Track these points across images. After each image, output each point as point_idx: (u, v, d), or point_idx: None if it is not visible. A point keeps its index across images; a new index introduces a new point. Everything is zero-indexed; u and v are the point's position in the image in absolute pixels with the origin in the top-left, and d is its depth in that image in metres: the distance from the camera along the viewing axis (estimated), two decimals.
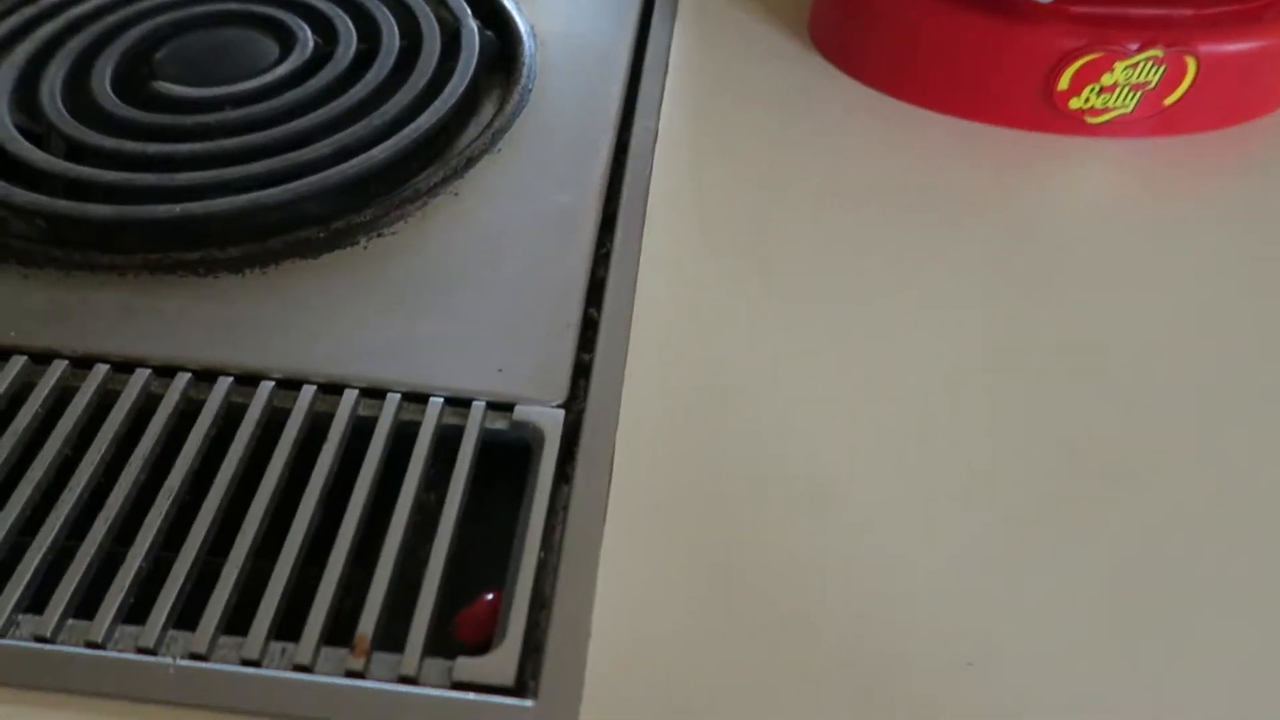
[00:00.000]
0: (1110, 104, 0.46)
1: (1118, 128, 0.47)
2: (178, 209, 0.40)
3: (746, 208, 0.43)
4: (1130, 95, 0.45)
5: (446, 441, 0.34)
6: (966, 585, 0.30)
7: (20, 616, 0.29)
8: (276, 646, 0.28)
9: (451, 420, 0.34)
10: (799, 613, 0.29)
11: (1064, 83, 0.45)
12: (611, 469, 0.33)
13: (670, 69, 0.51)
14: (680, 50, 0.52)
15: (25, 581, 0.29)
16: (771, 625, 0.29)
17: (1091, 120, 0.46)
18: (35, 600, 0.29)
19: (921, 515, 0.32)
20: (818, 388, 0.36)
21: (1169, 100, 0.46)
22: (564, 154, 0.45)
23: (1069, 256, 0.41)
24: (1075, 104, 0.46)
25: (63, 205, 0.40)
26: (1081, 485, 0.33)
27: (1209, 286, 0.40)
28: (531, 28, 0.53)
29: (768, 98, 0.49)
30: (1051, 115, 0.46)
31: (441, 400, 0.35)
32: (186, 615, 0.29)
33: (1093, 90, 0.45)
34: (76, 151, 0.44)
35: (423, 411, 0.34)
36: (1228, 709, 0.28)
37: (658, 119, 0.47)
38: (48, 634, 0.28)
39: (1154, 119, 0.46)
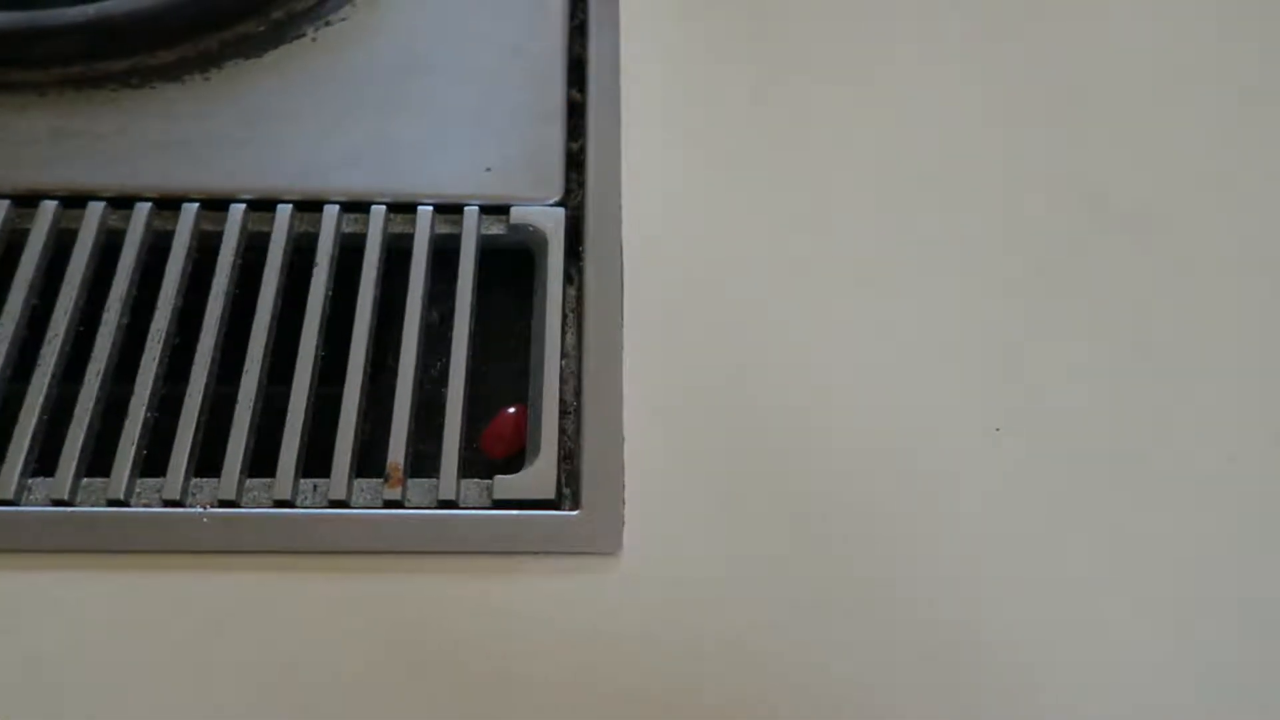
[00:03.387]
0: None
1: None
2: (91, 10, 0.35)
3: None
4: None
5: (442, 252, 0.32)
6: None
7: (31, 481, 0.27)
8: (307, 484, 0.28)
9: (445, 229, 0.32)
10: (825, 411, 0.29)
11: None
12: (622, 264, 0.31)
13: None
14: None
15: (27, 444, 0.28)
16: (797, 420, 0.29)
17: None
18: (41, 463, 0.28)
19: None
20: (829, 166, 0.34)
21: None
22: None
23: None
24: None
25: None
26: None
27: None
28: None
29: None
30: None
31: (431, 208, 0.32)
32: (205, 462, 0.28)
33: None
34: None
35: (413, 222, 0.32)
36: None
37: None
38: (65, 495, 0.27)
39: None
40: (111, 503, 0.27)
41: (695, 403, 0.29)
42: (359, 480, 0.28)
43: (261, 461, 0.28)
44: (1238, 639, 0.26)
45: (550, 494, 0.28)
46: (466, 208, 0.32)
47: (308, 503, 0.27)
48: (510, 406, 0.31)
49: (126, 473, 0.27)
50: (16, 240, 0.31)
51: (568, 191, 0.33)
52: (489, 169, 0.33)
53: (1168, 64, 0.37)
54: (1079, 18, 0.38)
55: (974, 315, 0.31)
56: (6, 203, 0.32)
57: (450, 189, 0.33)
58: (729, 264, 0.32)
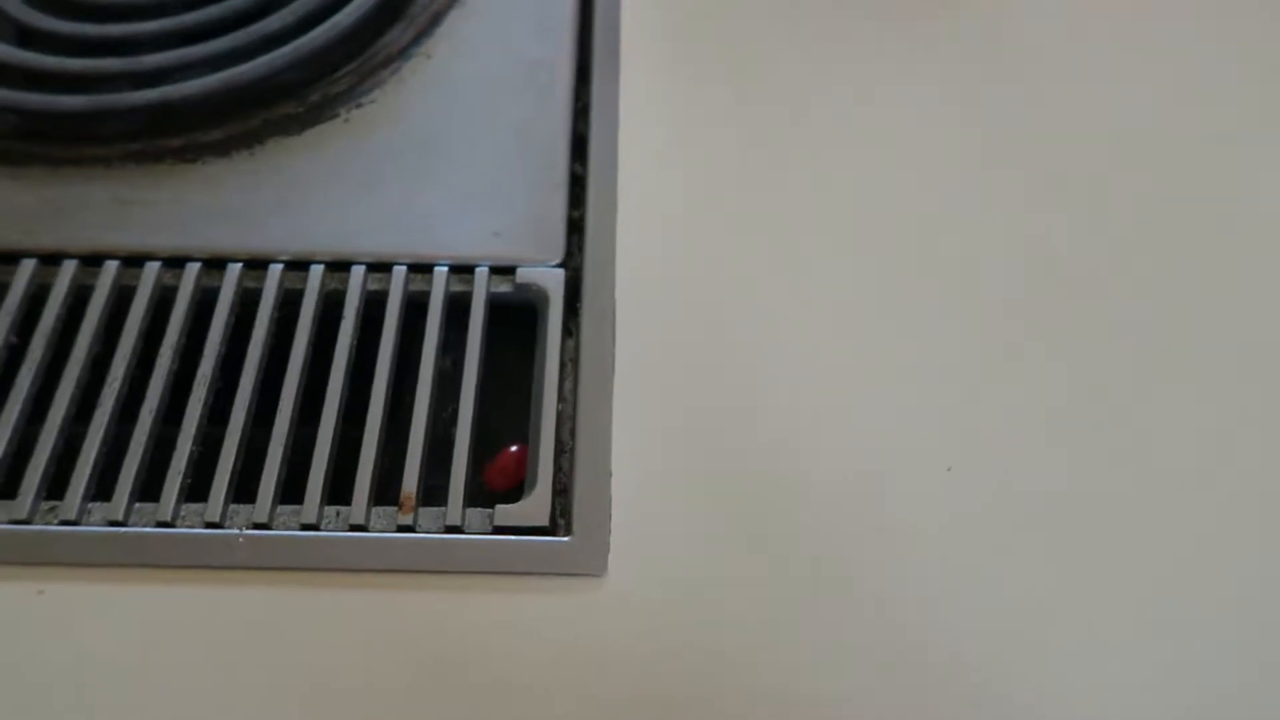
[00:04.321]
0: None
1: None
2: (154, 94, 0.40)
3: (722, 38, 0.43)
4: None
5: (455, 307, 0.36)
6: (946, 401, 0.33)
7: (91, 505, 0.31)
8: (331, 510, 0.31)
9: (458, 287, 0.36)
10: (795, 448, 0.33)
11: None
12: (614, 320, 0.35)
13: None
14: None
15: (88, 473, 0.32)
16: (769, 457, 0.32)
17: None
18: (100, 488, 0.32)
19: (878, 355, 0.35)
20: (806, 224, 0.38)
21: None
22: (529, 2, 0.45)
23: (1046, 58, 0.42)
24: None
25: (33, 99, 0.40)
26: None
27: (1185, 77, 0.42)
28: None
29: None
30: None
31: (446, 268, 0.36)
32: (242, 490, 0.32)
33: None
34: (27, 37, 0.43)
35: (430, 281, 0.36)
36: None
37: None
38: (120, 517, 0.31)
39: None
40: (159, 524, 0.31)
41: (678, 442, 0.33)
42: (377, 508, 0.32)
43: (291, 490, 0.32)
44: (1197, 669, 0.29)
45: (545, 522, 0.31)
46: (477, 268, 0.36)
47: (331, 527, 0.31)
48: (513, 445, 0.34)
49: (174, 498, 0.31)
50: (83, 295, 0.36)
51: (568, 254, 0.37)
52: (497, 234, 0.37)
53: (1150, 120, 0.41)
54: (1065, 71, 0.42)
55: (949, 353, 0.34)
56: (75, 262, 0.36)
57: (463, 251, 0.37)
58: (711, 315, 0.35)
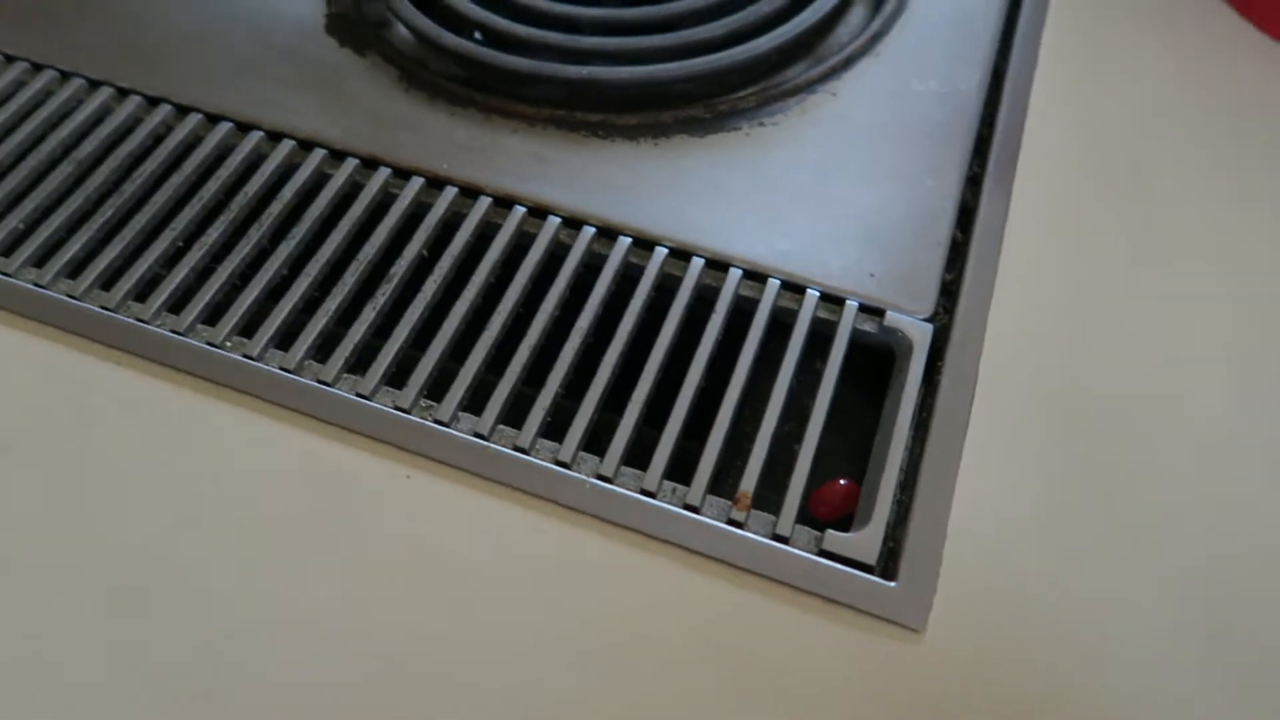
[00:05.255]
0: None
1: None
2: (585, 71, 0.43)
3: (1125, 154, 0.42)
4: None
5: (817, 332, 0.37)
6: None
7: (461, 414, 0.34)
8: (669, 485, 0.33)
9: (824, 314, 0.37)
10: (1147, 537, 0.31)
11: None
12: (975, 384, 0.35)
13: None
14: None
15: (464, 387, 0.34)
16: (1118, 546, 0.31)
17: None
18: (472, 402, 0.34)
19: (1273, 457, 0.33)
20: (1180, 338, 0.36)
21: None
22: (940, 66, 0.46)
23: None
24: None
25: (485, 52, 0.45)
26: None
27: None
28: None
29: (1162, 42, 0.47)
30: None
31: (817, 294, 0.37)
32: (593, 444, 0.34)
33: None
34: (491, 2, 0.48)
35: (799, 301, 0.37)
36: None
37: (1038, 43, 0.47)
38: (484, 432, 0.33)
39: None
40: (516, 448, 0.33)
41: (1020, 518, 0.32)
42: (711, 495, 0.32)
43: (636, 456, 0.33)
44: None
45: (872, 560, 0.31)
46: (848, 301, 0.37)
47: (667, 499, 0.32)
48: (841, 479, 0.34)
49: (534, 430, 0.33)
50: (489, 231, 0.39)
51: (935, 313, 0.37)
52: (873, 275, 0.38)
53: None
54: None
55: None
56: (489, 200, 0.40)
57: (837, 282, 0.38)
58: (1075, 398, 0.34)
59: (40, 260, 0.38)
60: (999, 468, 0.33)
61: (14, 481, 0.32)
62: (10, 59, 0.45)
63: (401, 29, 0.47)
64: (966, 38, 0.47)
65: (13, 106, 0.43)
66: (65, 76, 0.44)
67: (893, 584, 0.30)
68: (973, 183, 0.41)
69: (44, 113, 0.42)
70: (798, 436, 0.34)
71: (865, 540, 0.31)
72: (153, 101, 0.43)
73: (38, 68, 0.44)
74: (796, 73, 0.46)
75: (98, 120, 0.43)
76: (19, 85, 0.44)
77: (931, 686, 0.29)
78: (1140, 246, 0.39)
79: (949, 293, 0.38)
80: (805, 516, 0.33)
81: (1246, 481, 0.33)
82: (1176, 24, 0.48)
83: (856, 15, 0.50)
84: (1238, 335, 0.36)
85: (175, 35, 0.46)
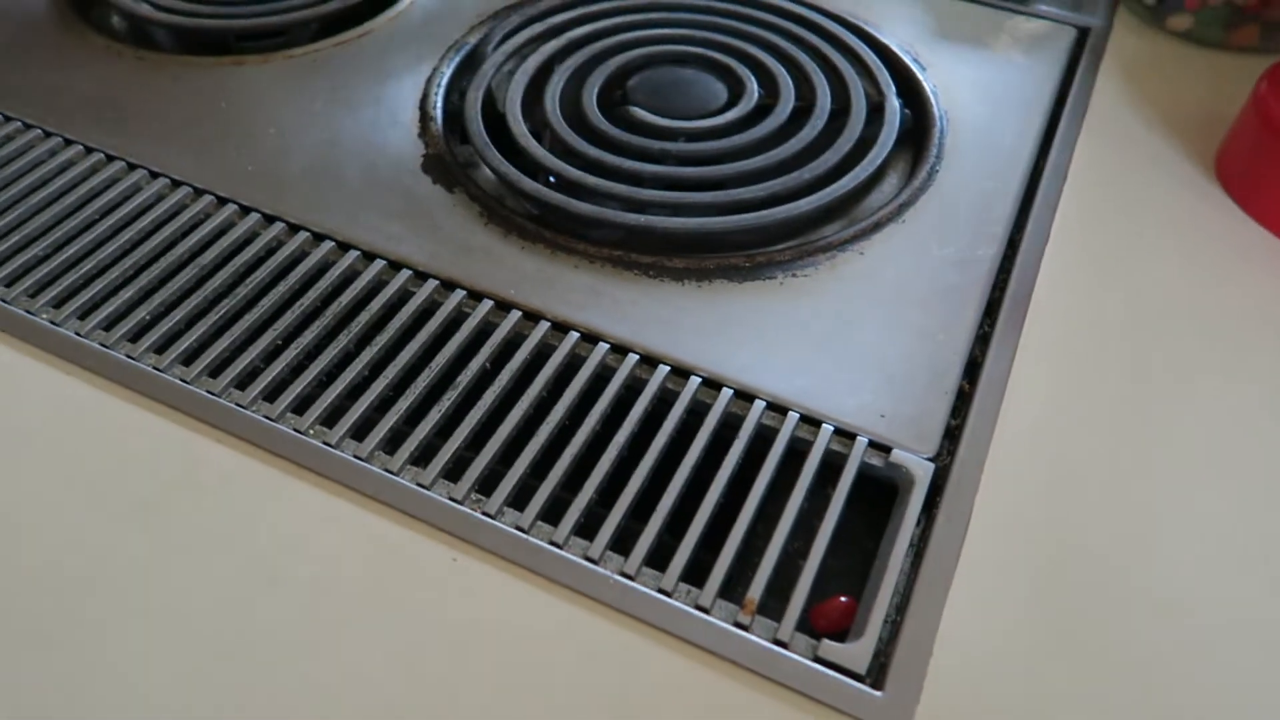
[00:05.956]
0: None
1: None
2: (643, 219, 0.50)
3: (1125, 331, 0.46)
4: None
5: (829, 463, 0.41)
6: None
7: (506, 509, 0.39)
8: (684, 586, 0.37)
9: (836, 448, 0.41)
10: (1112, 692, 0.34)
11: None
12: (968, 523, 0.38)
13: (1070, 174, 0.55)
14: (1082, 158, 0.56)
15: (512, 485, 0.39)
16: (1084, 694, 0.34)
17: None
18: (516, 500, 0.39)
19: (1268, 634, 0.35)
20: (1175, 507, 0.39)
21: None
22: (960, 234, 0.51)
23: None
24: None
25: (556, 196, 0.51)
26: None
27: None
28: (945, 112, 0.59)
29: (1164, 226, 0.52)
30: None
31: (831, 429, 0.41)
32: (619, 545, 0.38)
33: None
34: (562, 152, 0.55)
35: (814, 434, 0.41)
36: None
37: (1051, 222, 0.52)
38: (525, 526, 0.38)
39: None
40: (552, 542, 0.37)
41: (1000, 646, 0.35)
42: (720, 599, 0.36)
43: (660, 559, 0.37)
44: None
45: (863, 670, 0.34)
46: (858, 437, 0.41)
47: (681, 599, 0.36)
48: (842, 596, 0.38)
49: (569, 529, 0.38)
50: (545, 352, 0.45)
51: (939, 453, 0.41)
52: (883, 416, 0.42)
53: None
54: None
55: None
56: (547, 325, 0.45)
57: (849, 419, 0.42)
58: (1062, 546, 0.38)
59: (161, 348, 0.44)
60: (985, 598, 0.36)
61: (131, 534, 0.37)
62: (155, 175, 0.52)
63: (486, 171, 0.54)
64: (986, 211, 0.53)
65: (152, 214, 0.50)
66: (198, 193, 0.51)
67: (880, 693, 0.34)
68: (982, 340, 0.46)
69: (178, 223, 0.50)
70: (804, 553, 0.38)
71: (858, 651, 0.35)
72: (269, 219, 0.50)
73: (176, 184, 0.52)
74: (830, 232, 0.51)
75: (221, 233, 0.49)
76: (159, 198, 0.51)
77: None
78: (1132, 414, 0.43)
79: (952, 437, 0.42)
80: (805, 626, 0.36)
81: (1209, 649, 0.35)
82: (1182, 214, 0.53)
83: (889, 184, 0.56)
84: (1218, 509, 0.39)
85: (296, 164, 0.54)
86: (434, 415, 0.42)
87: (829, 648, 0.35)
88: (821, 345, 0.45)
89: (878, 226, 0.51)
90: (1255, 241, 0.51)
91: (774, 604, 0.37)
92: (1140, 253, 0.51)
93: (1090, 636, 0.35)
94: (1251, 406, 0.43)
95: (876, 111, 0.58)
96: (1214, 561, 0.38)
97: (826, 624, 0.37)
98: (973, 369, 0.45)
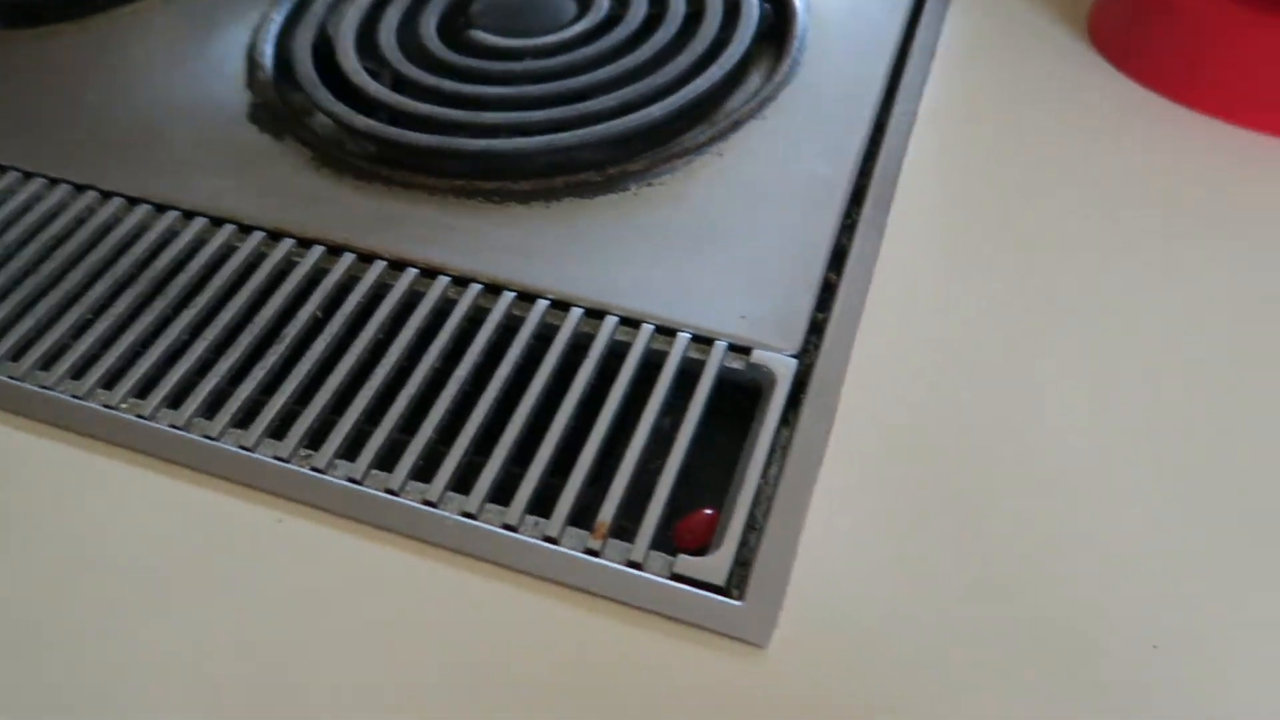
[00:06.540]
0: None
1: None
2: (482, 144, 0.46)
3: (997, 199, 0.44)
4: None
5: (687, 372, 0.38)
6: (1163, 572, 0.31)
7: (337, 461, 0.36)
8: (531, 519, 0.34)
9: (694, 355, 0.38)
10: (993, 575, 0.32)
11: None
12: (834, 418, 0.36)
13: (938, 54, 0.52)
14: (951, 36, 0.53)
15: (343, 435, 0.36)
16: (963, 580, 0.32)
17: None
18: (348, 450, 0.36)
19: (1133, 501, 0.33)
20: (1044, 375, 0.37)
21: None
22: (825, 127, 0.48)
23: None
24: None
25: (392, 131, 0.48)
26: None
27: None
28: (807, 3, 0.56)
29: (1036, 91, 0.49)
30: None
31: (689, 336, 0.39)
32: (461, 484, 0.35)
33: None
34: (402, 85, 0.51)
35: (670, 344, 0.39)
36: None
37: (919, 101, 0.49)
38: (357, 477, 0.35)
39: None
40: (388, 490, 0.34)
41: (868, 544, 0.33)
42: (570, 528, 0.34)
43: (503, 495, 0.35)
44: None
45: (721, 582, 0.32)
46: (717, 342, 0.38)
47: (528, 533, 0.33)
48: (707, 509, 0.35)
49: (405, 474, 0.35)
50: (381, 291, 0.41)
51: (804, 349, 0.38)
52: (744, 317, 0.39)
53: None
54: None
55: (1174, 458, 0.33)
56: (384, 264, 0.42)
57: (708, 325, 0.39)
58: (931, 435, 0.35)
59: None
60: (852, 496, 0.34)
61: None
62: None
63: (322, 116, 0.51)
64: (853, 98, 0.50)
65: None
66: (3, 170, 0.48)
67: (739, 603, 0.31)
68: (849, 230, 0.43)
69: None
70: (663, 470, 0.35)
71: (715, 563, 0.32)
72: (79, 189, 0.46)
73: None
74: (688, 138, 0.48)
75: (26, 209, 0.46)
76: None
77: (772, 699, 0.29)
78: (1006, 288, 0.40)
79: (819, 331, 0.39)
80: (663, 544, 0.34)
81: (1086, 521, 0.33)
82: (1055, 79, 0.50)
83: (753, 83, 0.52)
84: (1095, 378, 0.37)
85: (119, 130, 0.50)
86: (258, 372, 0.38)
87: (685, 563, 0.32)
88: (678, 253, 0.42)
89: (737, 125, 0.48)
90: (1133, 100, 0.49)
91: (635, 527, 0.34)
92: (1011, 123, 0.48)
93: (958, 531, 0.33)
94: (1135, 273, 0.41)
95: (734, 10, 0.55)
96: (1089, 450, 0.35)
97: (692, 539, 0.35)
98: (839, 260, 0.42)
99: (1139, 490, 0.34)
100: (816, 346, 0.39)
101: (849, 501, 0.34)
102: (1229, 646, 0.30)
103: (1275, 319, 0.39)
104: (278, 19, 0.57)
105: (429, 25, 0.54)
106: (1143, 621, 0.30)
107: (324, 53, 0.54)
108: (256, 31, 0.56)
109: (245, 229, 0.44)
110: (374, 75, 0.52)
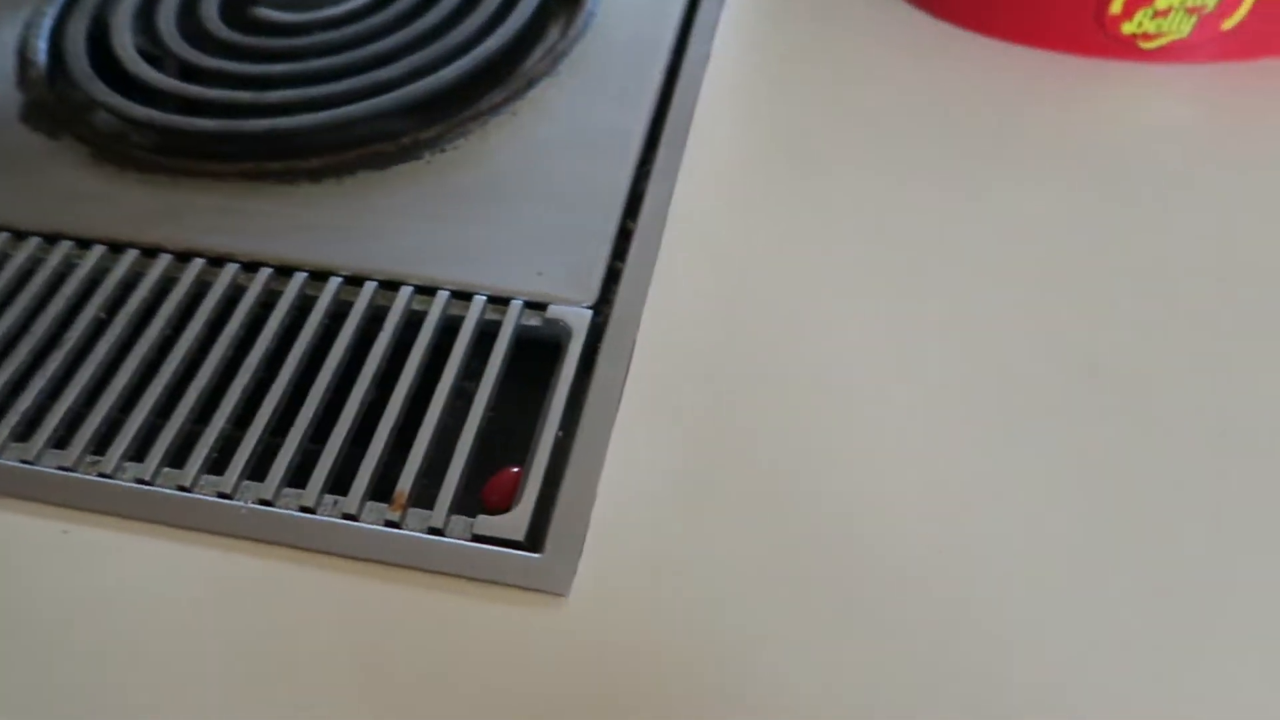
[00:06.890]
0: (1164, 29, 0.46)
1: (1173, 53, 0.46)
2: (267, 123, 0.45)
3: (790, 135, 0.45)
4: (1185, 19, 0.45)
5: (487, 334, 0.38)
6: (960, 494, 0.33)
7: (126, 464, 0.35)
8: (329, 499, 0.34)
9: (492, 316, 0.38)
10: (789, 510, 0.33)
11: (1116, 6, 0.45)
12: (629, 365, 0.36)
13: None
14: None
15: (130, 436, 0.35)
16: (760, 515, 0.32)
17: (1145, 45, 0.46)
18: (137, 451, 0.35)
19: (930, 432, 0.34)
20: (839, 310, 0.38)
21: (1227, 24, 0.45)
22: (620, 77, 0.48)
23: (1119, 184, 0.42)
24: (1128, 29, 0.46)
25: (174, 119, 0.46)
26: (1098, 400, 0.35)
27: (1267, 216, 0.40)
28: None
29: (829, 29, 0.50)
30: (1104, 40, 0.47)
31: (484, 298, 0.39)
32: (258, 470, 0.34)
33: (1146, 14, 0.45)
34: (187, 71, 0.50)
35: (467, 308, 0.39)
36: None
37: (711, 43, 0.50)
38: (147, 478, 0.34)
39: (1211, 44, 0.46)
40: (180, 488, 0.34)
41: (665, 486, 0.33)
42: (371, 502, 0.33)
43: (301, 478, 0.34)
44: None
45: (520, 537, 0.32)
46: (513, 301, 0.38)
47: (326, 513, 0.33)
48: (514, 467, 0.36)
49: (197, 468, 0.34)
50: (167, 286, 0.40)
51: (602, 300, 0.39)
52: (540, 273, 0.40)
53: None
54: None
55: (969, 405, 0.34)
56: (170, 257, 0.41)
57: (505, 285, 0.39)
58: (728, 379, 0.36)
59: None
60: (647, 443, 0.34)
61: None
62: None
63: (103, 111, 0.48)
64: (647, 46, 0.50)
65: None
66: None
67: (538, 556, 0.32)
68: (644, 177, 0.44)
69: None
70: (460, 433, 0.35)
71: (514, 519, 0.32)
72: None
73: None
74: (483, 101, 0.48)
75: None
76: None
77: (575, 645, 0.30)
78: (800, 224, 0.41)
79: (617, 279, 0.40)
80: (465, 507, 0.34)
81: (885, 448, 0.34)
82: (851, 20, 0.51)
83: (550, 40, 0.52)
84: (890, 308, 0.38)
85: None
86: (38, 381, 0.37)
87: (485, 523, 0.32)
88: (475, 217, 0.42)
89: (531, 84, 0.48)
90: (928, 33, 0.50)
91: (435, 493, 0.34)
92: (804, 61, 0.49)
93: (754, 468, 0.34)
94: (926, 201, 0.42)
95: None
96: (885, 378, 0.36)
97: (499, 499, 0.35)
98: (635, 205, 0.42)
99: (938, 413, 0.35)
100: (614, 296, 0.39)
101: (646, 447, 0.34)
102: (1016, 559, 0.31)
103: (1069, 234, 0.40)
104: (51, 12, 0.54)
105: (210, 7, 0.52)
106: (941, 547, 0.32)
107: (103, 44, 0.51)
108: (28, 27, 0.53)
109: (20, 235, 0.42)
110: (156, 63, 0.50)
